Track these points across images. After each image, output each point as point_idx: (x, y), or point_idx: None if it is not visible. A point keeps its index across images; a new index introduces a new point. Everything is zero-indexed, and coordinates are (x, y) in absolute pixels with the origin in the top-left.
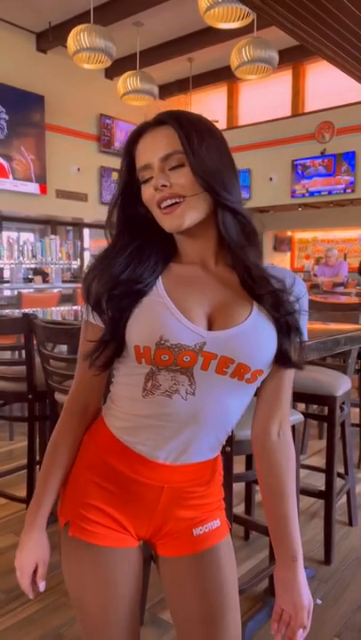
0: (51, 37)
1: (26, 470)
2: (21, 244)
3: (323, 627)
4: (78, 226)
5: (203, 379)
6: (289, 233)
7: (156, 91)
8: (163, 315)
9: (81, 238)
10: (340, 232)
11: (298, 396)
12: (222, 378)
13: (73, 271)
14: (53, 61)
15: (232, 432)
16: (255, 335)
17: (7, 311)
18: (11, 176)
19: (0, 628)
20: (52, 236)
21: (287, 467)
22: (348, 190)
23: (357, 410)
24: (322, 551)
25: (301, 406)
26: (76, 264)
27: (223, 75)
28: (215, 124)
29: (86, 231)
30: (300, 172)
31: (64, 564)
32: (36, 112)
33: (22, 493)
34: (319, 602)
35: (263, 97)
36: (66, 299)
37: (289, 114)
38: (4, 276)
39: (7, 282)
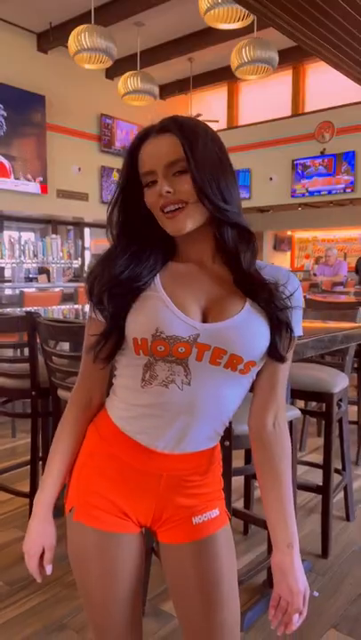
0: (51, 37)
1: (29, 466)
2: (22, 243)
3: (320, 618)
4: (79, 225)
5: (198, 369)
6: (289, 232)
7: (157, 91)
8: (159, 308)
9: (82, 238)
10: (341, 231)
11: (296, 393)
12: (216, 368)
13: (74, 270)
14: (54, 61)
15: (231, 426)
16: (247, 328)
17: (9, 309)
18: (12, 176)
19: (5, 618)
20: (54, 236)
21: (283, 456)
22: (348, 190)
23: (355, 408)
24: (319, 545)
25: (301, 403)
26: (77, 263)
27: (223, 75)
28: (215, 123)
29: (87, 230)
30: (300, 171)
31: (69, 547)
32: (36, 112)
33: (25, 489)
34: (316, 594)
35: (263, 97)
36: (67, 298)
37: (289, 114)
38: (5, 275)
39: (9, 281)
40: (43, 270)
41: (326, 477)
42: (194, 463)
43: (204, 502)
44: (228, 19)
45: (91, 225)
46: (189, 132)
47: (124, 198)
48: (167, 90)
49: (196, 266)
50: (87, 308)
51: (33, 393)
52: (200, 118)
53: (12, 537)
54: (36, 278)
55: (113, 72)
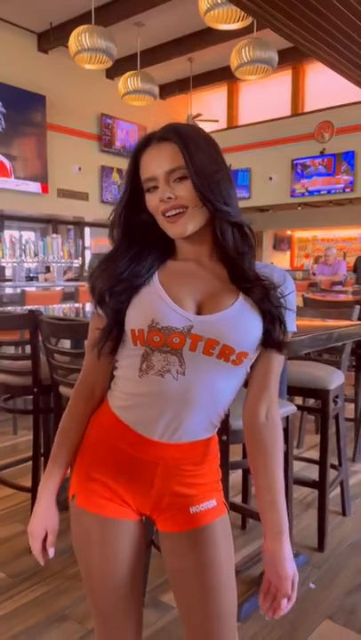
0: (52, 37)
1: (30, 462)
2: (23, 242)
3: (316, 609)
4: (79, 225)
5: (192, 359)
6: (289, 232)
7: (157, 91)
8: (155, 301)
9: (82, 237)
10: (340, 231)
11: (293, 390)
12: (209, 359)
13: (74, 269)
14: (55, 61)
15: (228, 421)
16: (239, 320)
17: (9, 308)
18: (13, 175)
19: (8, 609)
20: (54, 235)
21: (274, 447)
22: (348, 190)
23: (352, 405)
24: (316, 539)
25: (299, 400)
26: (77, 263)
27: (223, 74)
28: (215, 123)
29: (87, 230)
30: (299, 171)
31: (72, 532)
32: (37, 112)
33: (27, 484)
34: (313, 586)
35: (263, 97)
36: (68, 296)
37: (289, 113)
38: (6, 274)
39: (9, 280)
40: (49, 269)
41: (322, 472)
42: (190, 453)
43: (201, 492)
44: (228, 19)
45: (91, 224)
46: (189, 139)
47: (127, 203)
48: (167, 89)
49: (193, 264)
50: (87, 306)
51: (35, 390)
52: (200, 118)
53: (14, 531)
54: (37, 277)
55: (113, 72)
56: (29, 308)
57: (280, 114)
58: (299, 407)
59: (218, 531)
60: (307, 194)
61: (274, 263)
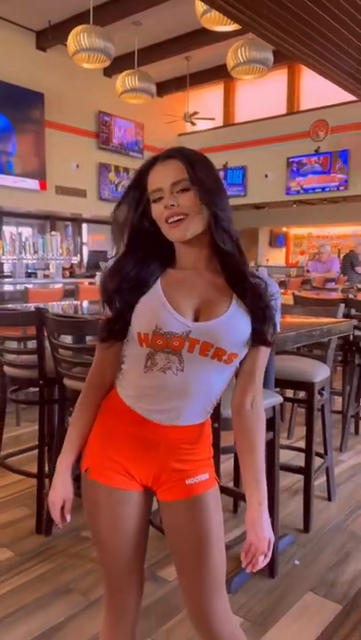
0: (50, 36)
1: (34, 451)
2: (23, 240)
3: (300, 582)
4: (77, 221)
5: (189, 359)
6: (284, 229)
7: (154, 89)
8: (158, 309)
9: (80, 234)
10: (335, 228)
11: (281, 382)
12: (205, 359)
13: (72, 267)
14: (53, 59)
15: (220, 411)
16: (230, 326)
17: (10, 305)
18: (11, 172)
19: (18, 583)
20: (54, 233)
21: (257, 431)
22: (342, 188)
23: (340, 399)
24: (302, 521)
25: (290, 393)
26: (76, 260)
27: (220, 73)
28: (211, 121)
29: (84, 226)
30: (295, 169)
31: (84, 501)
32: (35, 109)
33: (32, 471)
34: (297, 562)
35: (259, 95)
36: (68, 294)
37: (284, 112)
38: (4, 270)
39: (9, 277)
40: (48, 266)
41: (308, 459)
42: (187, 434)
43: (195, 467)
44: (224, 21)
45: (88, 221)
46: (191, 157)
47: (135, 212)
48: (164, 87)
49: (191, 273)
50: (84, 303)
51: (40, 382)
52: (196, 116)
53: (21, 514)
54: (35, 274)
55: (111, 70)
56: (33, 305)
57: (276, 112)
58: (288, 399)
59: (209, 499)
60: (302, 191)
61: (269, 260)
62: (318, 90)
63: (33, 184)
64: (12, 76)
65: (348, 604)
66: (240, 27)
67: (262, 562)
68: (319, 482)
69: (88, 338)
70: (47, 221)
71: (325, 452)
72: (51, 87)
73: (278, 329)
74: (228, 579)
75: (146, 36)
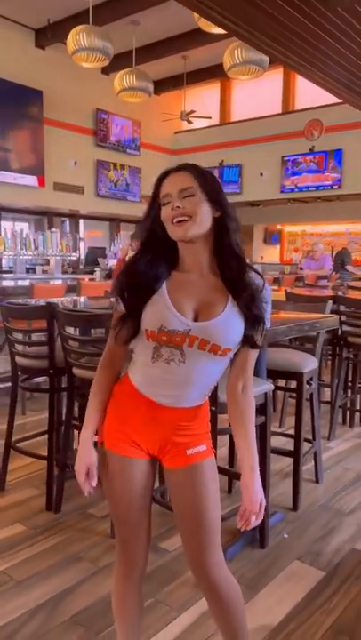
0: (49, 34)
1: (42, 437)
2: (24, 236)
3: (288, 552)
4: (74, 217)
5: (189, 352)
6: (279, 226)
7: (152, 88)
8: (163, 310)
9: (77, 230)
10: (328, 226)
11: (272, 373)
12: (203, 352)
13: (70, 262)
14: (52, 57)
15: (217, 395)
16: (225, 326)
17: (20, 300)
18: (10, 169)
19: (31, 553)
20: (54, 229)
21: (248, 411)
22: (335, 187)
23: (330, 390)
24: (291, 501)
25: (282, 383)
26: (75, 256)
27: (216, 72)
28: (207, 119)
29: (81, 222)
30: (290, 167)
31: (100, 467)
32: (34, 106)
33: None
34: (285, 536)
35: (255, 94)
36: (71, 289)
37: (280, 111)
38: (2, 265)
39: (9, 272)
40: (48, 261)
41: (297, 443)
42: (187, 414)
43: (194, 440)
44: None
45: (85, 217)
46: (199, 170)
47: (149, 219)
48: (161, 85)
49: (193, 275)
50: (82, 299)
51: (51, 371)
52: (193, 115)
53: (33, 493)
54: (34, 269)
55: (109, 68)
56: (38, 300)
57: (271, 111)
58: (280, 388)
59: (207, 467)
60: (296, 190)
61: (264, 257)
62: (313, 90)
63: (32, 180)
64: (11, 73)
65: (331, 570)
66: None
67: (254, 522)
68: (308, 466)
69: (96, 330)
70: (44, 217)
71: (313, 438)
72: (49, 85)
73: (269, 325)
74: (223, 549)
75: (144, 35)
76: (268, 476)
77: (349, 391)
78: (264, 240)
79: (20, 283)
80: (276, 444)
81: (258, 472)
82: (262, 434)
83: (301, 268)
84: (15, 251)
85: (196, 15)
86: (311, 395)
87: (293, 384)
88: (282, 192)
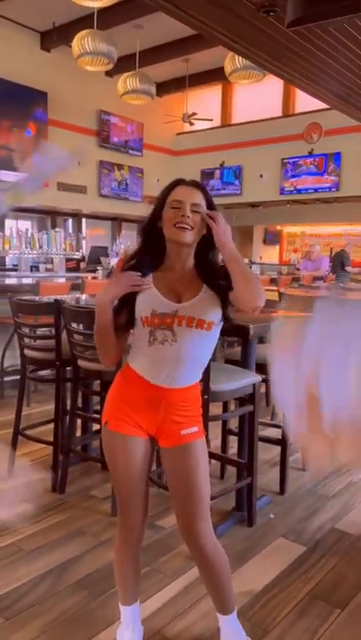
0: (55, 37)
1: (47, 426)
2: (29, 235)
3: (274, 530)
4: (77, 216)
5: (179, 331)
6: (278, 227)
7: (154, 90)
8: (153, 297)
9: (79, 229)
10: (327, 227)
11: (262, 367)
12: (191, 329)
13: (78, 262)
14: (56, 59)
15: (209, 386)
16: (203, 303)
17: (27, 297)
18: (15, 169)
19: (38, 528)
20: (58, 229)
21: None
22: (333, 189)
23: None
24: (278, 486)
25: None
26: (78, 255)
27: (218, 75)
28: (209, 121)
29: (83, 221)
30: (290, 169)
31: (104, 447)
32: (39, 108)
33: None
34: (272, 516)
35: (256, 97)
36: (75, 287)
37: (280, 114)
38: (5, 263)
39: (13, 270)
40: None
41: (284, 433)
42: (182, 395)
43: (188, 422)
44: None
45: (88, 216)
46: (207, 192)
47: (150, 223)
48: (164, 87)
49: (174, 271)
50: (83, 297)
51: (57, 363)
52: (195, 117)
53: (39, 476)
54: (37, 267)
55: (112, 70)
56: (45, 297)
57: (271, 114)
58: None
59: (198, 446)
60: (295, 192)
61: (263, 257)
62: None
63: None
64: (16, 75)
65: (312, 546)
66: None
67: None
68: (296, 456)
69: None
70: (47, 216)
71: None
72: (54, 86)
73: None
74: (214, 526)
75: (147, 38)
76: (256, 462)
77: None
78: (264, 241)
79: (25, 280)
80: (267, 434)
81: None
82: (250, 422)
83: (299, 269)
84: (20, 249)
85: None
86: None
87: None
88: (281, 194)
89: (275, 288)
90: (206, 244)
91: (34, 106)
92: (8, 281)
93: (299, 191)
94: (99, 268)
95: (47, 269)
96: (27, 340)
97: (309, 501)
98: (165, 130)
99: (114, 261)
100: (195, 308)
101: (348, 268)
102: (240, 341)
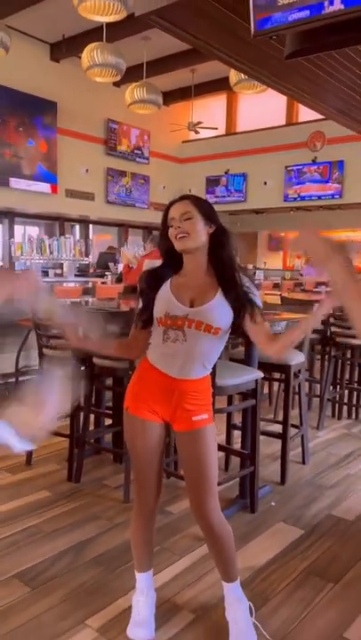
0: (64, 48)
1: (62, 420)
2: (39, 241)
3: (274, 516)
4: (84, 222)
5: (189, 332)
6: (283, 233)
7: (161, 100)
8: (168, 301)
9: (87, 235)
10: (331, 234)
11: (265, 366)
12: (199, 332)
13: (81, 266)
14: (66, 70)
15: (215, 381)
16: (214, 310)
17: None
18: (25, 176)
19: (56, 513)
20: (68, 236)
21: (282, 337)
22: (336, 196)
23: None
24: (279, 477)
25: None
26: (87, 260)
27: (223, 85)
28: (214, 130)
29: (90, 227)
30: (292, 177)
31: (125, 429)
32: (49, 117)
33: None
34: (273, 504)
35: (260, 106)
36: (86, 291)
37: (284, 123)
38: (15, 269)
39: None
40: (62, 265)
41: (285, 426)
42: (193, 385)
43: (199, 409)
44: None
45: (95, 222)
46: (197, 197)
47: (164, 237)
48: (170, 97)
49: (191, 277)
50: (90, 300)
51: (73, 361)
52: (200, 126)
53: (55, 468)
54: (47, 272)
55: (120, 80)
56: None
57: (275, 123)
58: (274, 379)
59: (208, 432)
60: (298, 199)
61: (267, 263)
62: None
63: (45, 187)
64: (27, 85)
65: (310, 530)
66: None
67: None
68: (297, 451)
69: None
70: (56, 222)
71: (301, 424)
72: (63, 96)
73: (260, 304)
74: None
75: (154, 49)
76: (258, 454)
77: (338, 386)
78: (268, 246)
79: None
80: (270, 429)
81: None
82: (253, 415)
83: (302, 274)
84: (31, 255)
85: None
86: (299, 385)
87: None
88: (285, 200)
89: (278, 293)
90: (214, 243)
91: (43, 115)
92: None
93: (302, 198)
94: (107, 273)
95: (56, 274)
96: (44, 340)
97: (308, 491)
98: (171, 138)
99: (122, 267)
100: (204, 313)
101: None
102: (244, 342)
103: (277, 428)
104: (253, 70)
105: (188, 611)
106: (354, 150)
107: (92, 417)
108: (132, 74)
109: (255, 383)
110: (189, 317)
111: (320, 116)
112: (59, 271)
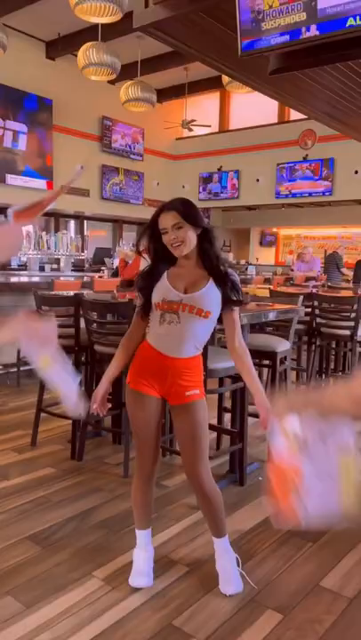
0: (59, 46)
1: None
2: (37, 237)
3: (261, 489)
4: (79, 218)
5: (183, 315)
6: (275, 229)
7: (155, 99)
8: (165, 288)
9: (82, 231)
10: (321, 230)
11: (253, 353)
12: (192, 315)
13: (76, 261)
14: (61, 68)
15: (207, 364)
16: (205, 296)
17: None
18: (21, 173)
19: (62, 486)
20: (65, 231)
21: (245, 357)
22: (327, 193)
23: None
24: (266, 455)
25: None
26: (83, 255)
27: (216, 83)
28: (208, 128)
29: (85, 222)
30: (284, 174)
31: (127, 402)
32: (45, 114)
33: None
34: (260, 478)
35: (253, 104)
36: (86, 285)
37: (275, 121)
38: (11, 264)
39: (21, 269)
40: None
41: None
42: (185, 363)
43: (191, 385)
44: None
45: (90, 218)
46: (183, 207)
47: (152, 239)
48: (164, 94)
49: (184, 268)
50: (85, 293)
51: (76, 348)
52: (193, 124)
53: (59, 447)
54: (44, 267)
55: (115, 78)
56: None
57: (268, 121)
58: (263, 366)
59: (200, 405)
60: (290, 195)
61: (259, 258)
62: None
63: (41, 184)
64: (23, 82)
65: None
66: None
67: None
68: None
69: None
70: (51, 218)
71: None
72: (59, 94)
73: (242, 298)
74: None
75: (148, 48)
76: (246, 432)
77: (324, 375)
78: (260, 242)
79: (34, 279)
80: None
81: (263, 393)
82: (241, 397)
83: (293, 270)
84: (30, 250)
85: None
86: (285, 370)
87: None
88: (277, 197)
89: (268, 287)
90: (202, 241)
91: (39, 112)
92: (23, 279)
93: (294, 195)
94: (103, 268)
95: (52, 269)
96: None
97: None
98: (165, 135)
99: (117, 262)
100: (196, 299)
101: (344, 270)
102: None
103: None
104: (242, 75)
105: (183, 565)
106: (344, 148)
107: None
108: (126, 72)
109: None
110: (183, 302)
111: None
112: (55, 266)
